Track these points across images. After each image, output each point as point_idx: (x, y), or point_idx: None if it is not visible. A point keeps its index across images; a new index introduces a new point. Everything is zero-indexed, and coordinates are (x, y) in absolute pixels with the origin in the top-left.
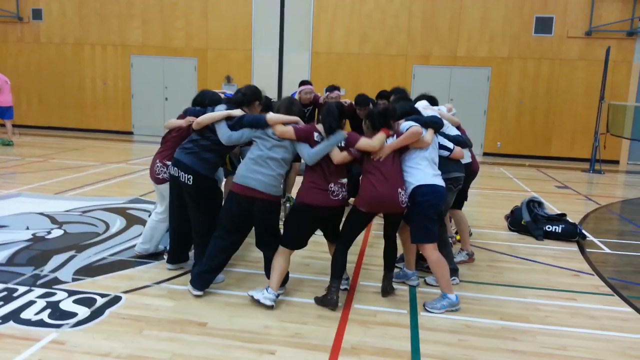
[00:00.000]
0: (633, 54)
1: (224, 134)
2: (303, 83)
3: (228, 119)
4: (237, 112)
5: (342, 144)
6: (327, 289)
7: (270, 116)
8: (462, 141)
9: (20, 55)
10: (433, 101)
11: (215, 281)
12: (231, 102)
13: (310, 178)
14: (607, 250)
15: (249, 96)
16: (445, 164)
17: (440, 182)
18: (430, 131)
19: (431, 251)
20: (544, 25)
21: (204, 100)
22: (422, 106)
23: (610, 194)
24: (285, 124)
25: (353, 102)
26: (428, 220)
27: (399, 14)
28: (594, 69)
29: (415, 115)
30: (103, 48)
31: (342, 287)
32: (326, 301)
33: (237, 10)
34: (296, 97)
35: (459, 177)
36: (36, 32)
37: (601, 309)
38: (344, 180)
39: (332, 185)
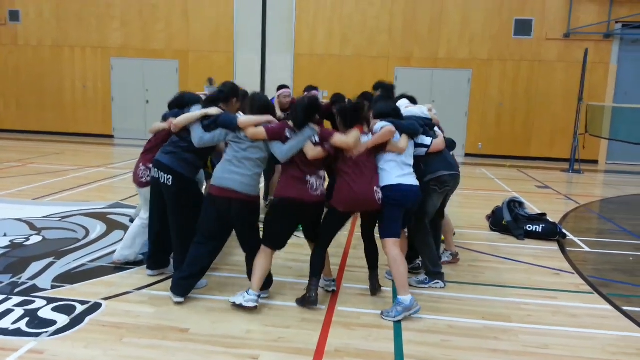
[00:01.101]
0: (610, 56)
1: (196, 135)
2: (281, 87)
3: (204, 118)
4: (213, 111)
5: (316, 139)
6: (306, 288)
7: (242, 119)
8: (447, 142)
9: None
10: (413, 101)
11: (198, 286)
12: (208, 100)
13: (287, 172)
14: (587, 249)
15: (226, 93)
16: (430, 162)
17: (408, 181)
18: (405, 137)
19: (390, 247)
20: (523, 27)
21: (183, 102)
22: (404, 105)
23: (590, 193)
24: (258, 124)
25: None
26: (391, 216)
27: (379, 16)
28: (573, 71)
29: (393, 117)
30: (82, 50)
31: (329, 288)
32: (305, 300)
33: (219, 12)
34: (275, 101)
35: (443, 176)
36: (13, 34)
37: (581, 307)
38: (322, 173)
39: (310, 177)
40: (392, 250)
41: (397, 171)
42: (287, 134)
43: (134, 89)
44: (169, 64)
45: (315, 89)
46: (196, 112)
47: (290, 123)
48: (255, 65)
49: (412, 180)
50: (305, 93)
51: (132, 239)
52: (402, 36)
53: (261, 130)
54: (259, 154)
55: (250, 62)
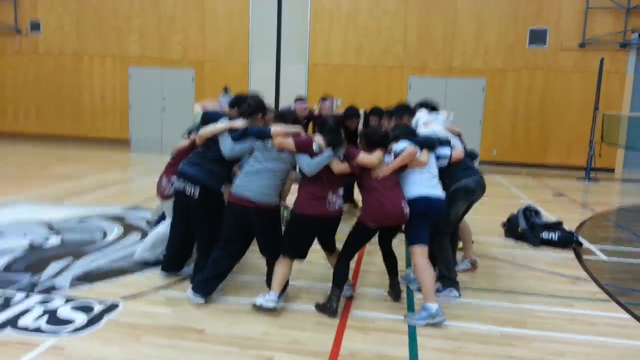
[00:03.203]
0: (626, 65)
1: (227, 146)
2: (298, 100)
3: (230, 131)
4: (239, 123)
5: (341, 156)
6: (327, 297)
7: (276, 128)
8: (468, 153)
9: (18, 67)
10: (434, 107)
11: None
12: (234, 111)
13: (308, 188)
14: (603, 257)
15: (253, 107)
16: (454, 173)
17: (434, 192)
18: (425, 152)
19: (418, 256)
20: (537, 37)
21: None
22: (423, 115)
23: (606, 201)
24: (287, 135)
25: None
26: (416, 226)
27: (394, 26)
28: (588, 80)
29: (409, 137)
30: (101, 59)
31: (346, 293)
32: (326, 309)
33: (234, 24)
34: None
35: (468, 184)
36: (34, 44)
37: (599, 315)
38: (341, 191)
39: (330, 194)
40: (420, 260)
41: (424, 182)
42: (314, 148)
43: (151, 97)
44: (186, 73)
45: (330, 98)
46: (222, 124)
47: (316, 138)
48: (270, 75)
49: (438, 191)
50: (321, 103)
51: (152, 241)
52: (417, 46)
53: (289, 141)
54: (282, 166)
55: (265, 72)
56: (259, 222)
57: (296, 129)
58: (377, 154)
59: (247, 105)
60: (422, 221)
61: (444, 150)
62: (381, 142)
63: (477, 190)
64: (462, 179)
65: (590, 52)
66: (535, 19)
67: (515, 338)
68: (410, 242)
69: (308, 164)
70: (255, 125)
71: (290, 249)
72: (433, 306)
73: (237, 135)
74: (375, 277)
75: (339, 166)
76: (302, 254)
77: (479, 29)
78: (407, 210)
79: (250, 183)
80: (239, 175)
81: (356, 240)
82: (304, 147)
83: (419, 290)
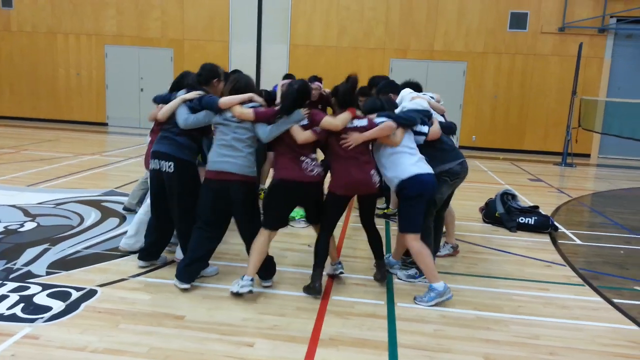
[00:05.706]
0: (604, 50)
1: (181, 117)
2: (286, 77)
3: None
4: (193, 95)
5: (306, 123)
6: (311, 277)
7: (223, 100)
8: (446, 127)
9: None
10: (417, 88)
11: (209, 273)
12: (190, 85)
13: (282, 155)
14: (578, 241)
15: (204, 76)
16: (437, 154)
17: (423, 169)
18: (401, 131)
19: (412, 242)
20: (518, 20)
21: (182, 84)
22: (407, 92)
23: (582, 186)
24: (240, 102)
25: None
26: (411, 210)
27: (376, 7)
28: (567, 65)
29: (386, 110)
30: (77, 37)
31: (336, 272)
32: (310, 289)
33: (214, 1)
34: (278, 89)
35: (454, 167)
36: (6, 20)
37: (572, 298)
38: (315, 155)
39: (304, 158)
40: (414, 245)
41: (409, 159)
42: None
43: (128, 77)
44: (164, 52)
45: (319, 79)
46: (176, 100)
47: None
48: (250, 55)
49: (426, 167)
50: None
51: (136, 227)
52: (399, 28)
53: (249, 111)
54: (248, 134)
55: (245, 52)
56: (240, 196)
57: (248, 95)
58: (342, 116)
59: (197, 74)
60: (417, 203)
61: (422, 128)
62: (354, 101)
63: (461, 174)
64: (447, 162)
65: (569, 36)
66: (516, 2)
67: (492, 321)
68: (402, 229)
69: (263, 131)
70: (213, 94)
71: (269, 219)
72: (439, 285)
73: (192, 105)
74: (355, 262)
75: (301, 135)
76: (279, 224)
77: (461, 12)
78: (376, 179)
79: (224, 157)
80: (211, 151)
81: (330, 212)
82: (263, 117)
83: (396, 274)
